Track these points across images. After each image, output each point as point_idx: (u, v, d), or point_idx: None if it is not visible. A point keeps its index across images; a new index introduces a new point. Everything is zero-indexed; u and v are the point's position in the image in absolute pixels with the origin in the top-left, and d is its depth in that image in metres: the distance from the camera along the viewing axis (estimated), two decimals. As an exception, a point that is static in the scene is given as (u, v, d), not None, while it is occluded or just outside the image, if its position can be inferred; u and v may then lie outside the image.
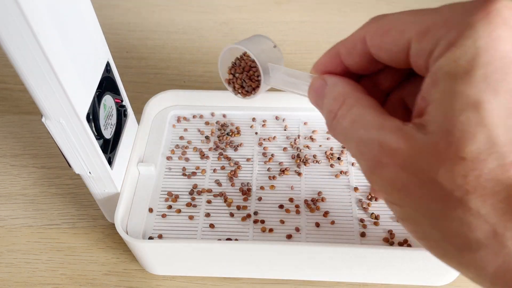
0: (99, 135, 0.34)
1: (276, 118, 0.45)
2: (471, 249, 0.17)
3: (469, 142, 0.16)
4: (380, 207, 0.38)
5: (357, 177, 0.41)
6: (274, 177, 0.41)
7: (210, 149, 0.43)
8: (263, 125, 0.45)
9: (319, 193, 0.40)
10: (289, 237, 0.37)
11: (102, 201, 0.39)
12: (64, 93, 0.29)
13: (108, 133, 0.36)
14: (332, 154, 0.42)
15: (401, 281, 0.37)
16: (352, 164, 0.41)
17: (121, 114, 0.39)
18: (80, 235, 0.42)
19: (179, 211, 0.39)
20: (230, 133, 0.44)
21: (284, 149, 0.43)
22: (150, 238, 0.37)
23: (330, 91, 0.23)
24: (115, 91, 0.38)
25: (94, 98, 0.33)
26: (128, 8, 0.67)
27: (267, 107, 0.46)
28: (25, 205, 0.44)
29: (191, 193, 0.40)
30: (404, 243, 0.36)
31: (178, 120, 0.46)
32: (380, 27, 0.21)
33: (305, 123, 0.45)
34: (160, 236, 0.38)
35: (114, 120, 0.37)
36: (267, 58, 0.32)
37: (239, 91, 0.34)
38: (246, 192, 0.40)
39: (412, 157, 0.18)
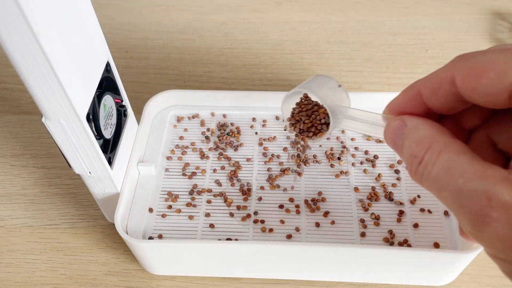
0: (99, 135, 0.34)
1: (276, 118, 0.45)
2: None
3: None
4: (380, 207, 0.38)
5: (357, 177, 0.41)
6: (274, 177, 0.41)
7: (210, 149, 0.43)
8: (263, 125, 0.45)
9: (319, 193, 0.40)
10: (289, 237, 0.37)
11: (102, 201, 0.39)
12: (64, 93, 0.29)
13: (108, 133, 0.36)
14: (332, 154, 0.42)
15: (401, 281, 0.37)
16: (353, 164, 0.41)
17: (121, 114, 0.39)
18: (80, 235, 0.42)
19: (179, 211, 0.39)
20: (230, 133, 0.44)
21: (284, 149, 0.43)
22: (150, 238, 0.37)
23: (411, 133, 0.22)
24: (115, 91, 0.38)
25: (94, 98, 0.33)
26: (128, 8, 0.67)
27: (267, 107, 0.46)
28: (25, 205, 0.44)
29: (191, 193, 0.40)
30: (404, 243, 0.36)
31: (178, 120, 0.46)
32: (473, 68, 0.19)
33: (305, 123, 0.45)
34: (160, 236, 0.38)
35: (114, 120, 0.37)
36: (334, 100, 0.31)
37: (305, 134, 0.33)
38: (246, 192, 0.40)
39: None
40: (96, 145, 0.33)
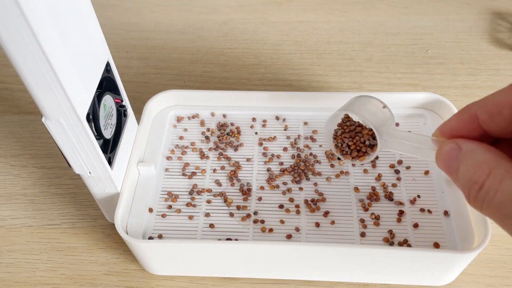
0: (99, 135, 0.34)
1: (276, 118, 0.45)
2: None
3: None
4: (380, 207, 0.38)
5: (357, 177, 0.41)
6: (274, 177, 0.41)
7: (210, 149, 0.43)
8: (263, 125, 0.45)
9: (320, 193, 0.40)
10: (289, 237, 0.37)
11: (102, 201, 0.39)
12: (64, 93, 0.29)
13: (108, 133, 0.36)
14: (332, 154, 0.42)
15: (401, 281, 0.37)
16: (353, 165, 0.41)
17: (121, 114, 0.39)
18: (80, 235, 0.42)
19: (179, 211, 0.39)
20: (230, 133, 0.44)
21: (285, 149, 0.43)
22: (150, 238, 0.37)
23: (467, 157, 0.21)
24: (115, 91, 0.38)
25: (94, 98, 0.33)
26: (128, 8, 0.67)
27: (267, 107, 0.46)
28: (25, 205, 0.44)
29: (191, 193, 0.40)
30: (404, 243, 0.36)
31: (178, 120, 0.46)
32: None
33: (305, 123, 0.45)
34: (160, 236, 0.38)
35: (114, 120, 0.37)
36: (380, 121, 0.31)
37: (348, 156, 0.33)
38: (246, 192, 0.40)
39: None
40: (96, 145, 0.33)
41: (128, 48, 0.61)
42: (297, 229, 0.38)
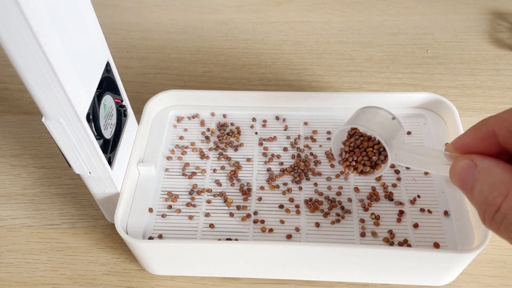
0: (99, 135, 0.34)
1: (276, 118, 0.45)
2: None
3: None
4: (380, 207, 0.38)
5: (357, 177, 0.41)
6: (274, 177, 0.41)
7: (210, 149, 0.43)
8: (263, 125, 0.45)
9: (320, 193, 0.40)
10: (289, 237, 0.37)
11: (102, 201, 0.39)
12: (64, 93, 0.29)
13: (108, 133, 0.36)
14: (332, 154, 0.42)
15: (401, 281, 0.37)
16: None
17: (121, 114, 0.39)
18: (80, 235, 0.42)
19: (179, 211, 0.39)
20: (230, 133, 0.44)
21: (285, 149, 0.43)
22: (150, 238, 0.37)
23: (483, 176, 0.20)
24: (115, 91, 0.38)
25: (94, 98, 0.33)
26: (128, 8, 0.67)
27: (267, 107, 0.46)
28: (25, 205, 0.44)
29: (191, 193, 0.40)
30: (404, 243, 0.36)
31: (178, 120, 0.46)
32: None
33: (305, 123, 0.45)
34: (160, 236, 0.38)
35: (114, 120, 0.37)
36: (389, 134, 0.30)
37: (356, 170, 0.32)
38: (246, 192, 0.40)
39: None
40: (96, 145, 0.33)
41: (128, 48, 0.61)
42: (297, 229, 0.38)
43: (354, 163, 0.32)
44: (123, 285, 0.39)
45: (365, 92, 0.46)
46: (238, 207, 0.39)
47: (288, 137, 0.44)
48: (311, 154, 0.42)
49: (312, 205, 0.39)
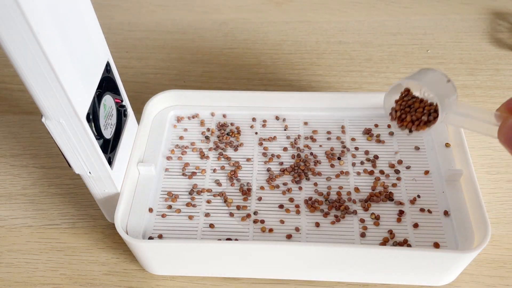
0: (99, 135, 0.34)
1: (276, 118, 0.45)
2: None
3: None
4: (380, 207, 0.38)
5: (357, 177, 0.41)
6: (274, 177, 0.41)
7: (210, 149, 0.43)
8: (263, 125, 0.45)
9: (320, 193, 0.40)
10: (289, 237, 0.37)
11: (102, 201, 0.39)
12: (64, 93, 0.29)
13: (108, 133, 0.36)
14: (332, 154, 0.42)
15: (401, 281, 0.37)
16: (353, 165, 0.41)
17: (121, 114, 0.39)
18: (80, 235, 0.42)
19: (179, 211, 0.39)
20: (230, 133, 0.44)
21: (285, 149, 0.43)
22: (150, 238, 0.37)
23: None
24: (115, 91, 0.38)
25: (94, 98, 0.33)
26: (128, 8, 0.67)
27: (267, 107, 0.46)
28: (25, 205, 0.44)
29: (191, 193, 0.40)
30: (404, 243, 0.36)
31: (178, 120, 0.46)
32: None
33: (305, 123, 0.45)
34: (160, 236, 0.38)
35: (114, 120, 0.37)
36: (443, 93, 0.31)
37: (407, 127, 0.34)
38: (246, 192, 0.40)
39: None
40: (96, 145, 0.33)
41: (128, 48, 0.61)
42: (297, 229, 0.38)
43: (404, 122, 0.34)
44: (123, 285, 0.39)
45: (365, 92, 0.46)
46: (238, 207, 0.39)
47: (288, 137, 0.44)
48: (311, 154, 0.42)
49: (312, 205, 0.39)
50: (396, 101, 0.35)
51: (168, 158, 0.43)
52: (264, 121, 0.45)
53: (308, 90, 0.54)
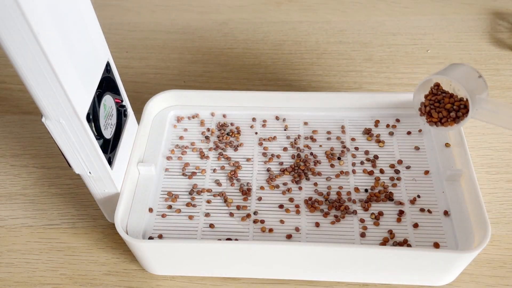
0: (99, 135, 0.34)
1: (276, 118, 0.45)
2: None
3: None
4: (380, 207, 0.38)
5: (357, 177, 0.41)
6: (274, 177, 0.41)
7: (210, 149, 0.43)
8: (263, 125, 0.45)
9: (320, 193, 0.40)
10: (289, 237, 0.37)
11: (102, 201, 0.39)
12: (64, 93, 0.29)
13: (108, 133, 0.36)
14: (332, 154, 0.42)
15: (401, 281, 0.37)
16: (353, 164, 0.41)
17: (121, 114, 0.39)
18: (80, 235, 0.42)
19: (179, 211, 0.39)
20: (230, 133, 0.44)
21: (285, 149, 0.43)
22: (150, 238, 0.37)
23: None
24: (115, 91, 0.38)
25: (94, 98, 0.33)
26: (128, 8, 0.67)
27: (267, 107, 0.46)
28: (25, 205, 0.44)
29: (191, 193, 0.40)
30: (404, 243, 0.36)
31: (178, 120, 0.46)
32: None
33: (305, 123, 0.45)
34: (160, 236, 0.38)
35: (114, 120, 0.37)
36: (474, 89, 0.31)
37: (435, 122, 0.34)
38: (246, 192, 0.40)
39: None
40: (96, 145, 0.33)
41: (128, 48, 0.61)
42: (297, 229, 0.38)
43: (433, 118, 0.34)
44: (123, 285, 0.39)
45: (365, 92, 0.46)
46: (238, 207, 0.39)
47: (288, 137, 0.44)
48: (311, 154, 0.42)
49: (312, 205, 0.39)
50: (426, 96, 0.35)
51: (168, 158, 0.43)
52: (264, 121, 0.45)
53: (308, 90, 0.54)
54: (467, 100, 0.31)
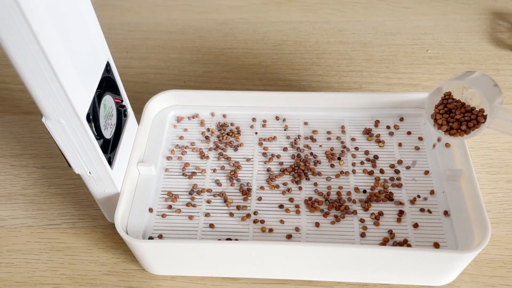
0: (99, 135, 0.34)
1: (276, 118, 0.45)
2: None
3: None
4: (380, 207, 0.38)
5: (357, 177, 0.41)
6: (274, 177, 0.41)
7: (210, 149, 0.43)
8: (263, 125, 0.45)
9: (320, 193, 0.40)
10: (289, 237, 0.37)
11: (102, 201, 0.39)
12: (64, 93, 0.29)
13: (108, 133, 0.36)
14: (332, 154, 0.42)
15: (401, 281, 0.37)
16: (353, 164, 0.41)
17: (121, 114, 0.39)
18: (80, 235, 0.42)
19: (179, 211, 0.39)
20: (230, 133, 0.44)
21: (285, 149, 0.43)
22: (150, 238, 0.37)
23: None
24: (115, 91, 0.38)
25: (94, 98, 0.33)
26: (128, 8, 0.67)
27: (267, 107, 0.46)
28: (25, 205, 0.44)
29: (191, 193, 0.40)
30: (404, 243, 0.36)
31: (178, 120, 0.46)
32: None
33: (305, 123, 0.45)
34: (160, 236, 0.38)
35: (114, 120, 0.37)
36: (491, 97, 0.31)
37: (448, 131, 0.34)
38: (246, 192, 0.40)
39: None
40: (96, 145, 0.33)
41: (128, 48, 0.61)
42: (297, 229, 0.38)
43: (447, 127, 0.34)
44: (123, 285, 0.39)
45: (365, 92, 0.46)
46: (238, 207, 0.39)
47: (288, 137, 0.44)
48: (311, 154, 0.42)
49: (312, 205, 0.39)
50: (436, 106, 0.35)
51: (168, 158, 0.43)
52: (264, 121, 0.45)
53: (308, 90, 0.54)
54: (479, 110, 0.31)
